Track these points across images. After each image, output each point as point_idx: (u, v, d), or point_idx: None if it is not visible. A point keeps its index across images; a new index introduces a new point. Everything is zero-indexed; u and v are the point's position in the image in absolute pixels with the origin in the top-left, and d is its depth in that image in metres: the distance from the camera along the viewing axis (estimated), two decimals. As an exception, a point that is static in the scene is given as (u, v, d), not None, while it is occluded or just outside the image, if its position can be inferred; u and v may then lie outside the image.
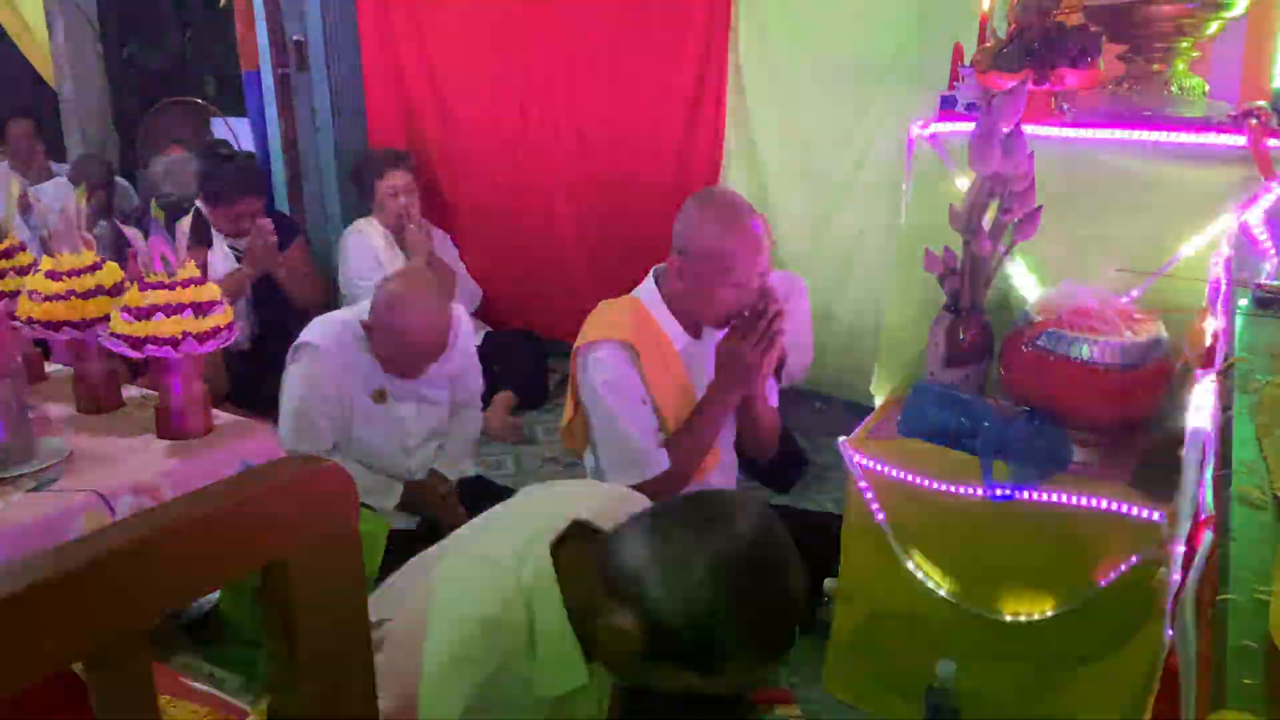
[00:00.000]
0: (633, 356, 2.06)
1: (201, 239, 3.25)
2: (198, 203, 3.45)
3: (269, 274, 3.51)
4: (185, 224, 1.90)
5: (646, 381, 2.07)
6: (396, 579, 1.40)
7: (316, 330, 2.48)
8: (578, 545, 1.20)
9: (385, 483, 2.57)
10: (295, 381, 2.43)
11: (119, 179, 4.67)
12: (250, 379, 3.25)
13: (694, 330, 2.13)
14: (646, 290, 2.15)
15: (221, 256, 3.49)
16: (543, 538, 1.20)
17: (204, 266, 3.24)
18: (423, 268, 3.29)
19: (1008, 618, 1.86)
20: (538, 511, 1.32)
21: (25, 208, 3.62)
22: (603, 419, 2.09)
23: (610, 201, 3.76)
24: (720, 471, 2.28)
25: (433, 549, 1.42)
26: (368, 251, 3.69)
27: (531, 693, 1.17)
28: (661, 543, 1.09)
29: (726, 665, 1.10)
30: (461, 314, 2.68)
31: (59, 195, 3.30)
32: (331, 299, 3.85)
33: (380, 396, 2.51)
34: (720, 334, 2.13)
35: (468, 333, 2.71)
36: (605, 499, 1.39)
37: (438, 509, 2.61)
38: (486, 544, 1.29)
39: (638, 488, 2.08)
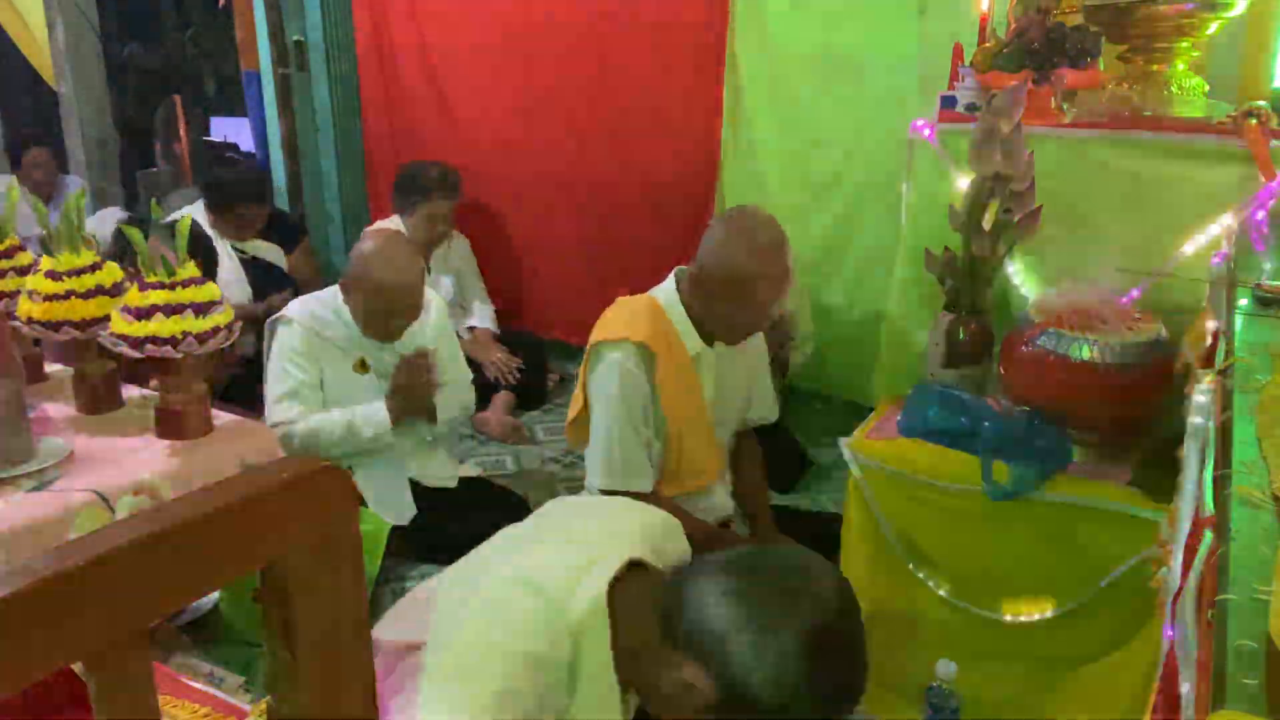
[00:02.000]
0: (648, 359, 2.05)
1: (194, 253, 3.23)
2: (195, 215, 3.44)
3: (268, 272, 3.50)
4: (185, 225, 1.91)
5: (658, 385, 2.06)
6: (431, 595, 1.35)
7: (290, 306, 2.57)
8: (635, 586, 1.19)
9: (391, 491, 2.58)
10: (272, 355, 2.52)
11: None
12: (253, 383, 3.25)
13: (708, 337, 2.12)
14: (665, 291, 2.13)
15: (227, 256, 3.46)
16: (592, 571, 1.19)
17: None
18: (396, 230, 3.25)
19: (1008, 618, 1.86)
20: (589, 539, 1.30)
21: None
22: (605, 418, 2.09)
23: (608, 201, 3.76)
24: (724, 481, 2.29)
25: (468, 560, 1.38)
26: None
27: None
28: (748, 608, 1.10)
29: None
30: (433, 297, 2.72)
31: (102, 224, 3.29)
32: None
33: (362, 366, 2.55)
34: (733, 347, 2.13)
35: (441, 309, 2.75)
36: (655, 529, 1.37)
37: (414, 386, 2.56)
38: (532, 566, 1.26)
39: (610, 492, 2.09)
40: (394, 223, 3.71)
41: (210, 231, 3.44)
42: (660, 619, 1.15)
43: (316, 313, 2.52)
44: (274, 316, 2.55)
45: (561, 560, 1.24)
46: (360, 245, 2.51)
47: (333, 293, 2.55)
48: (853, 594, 1.16)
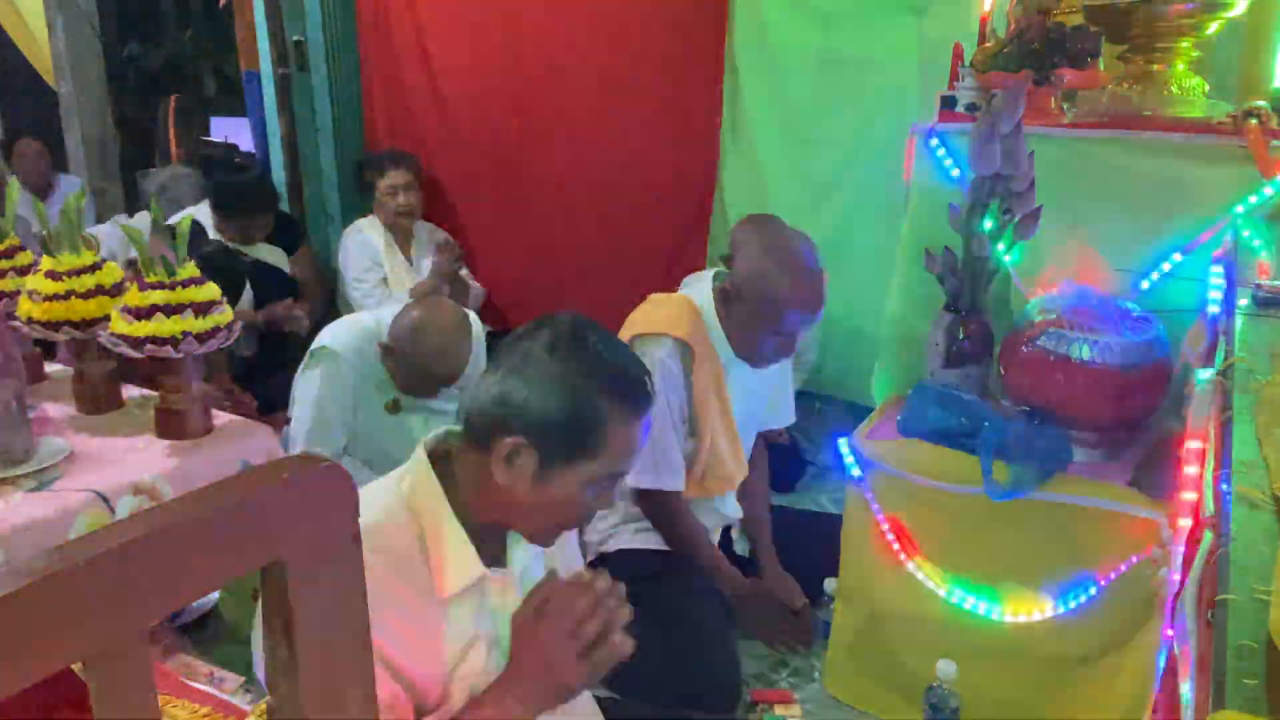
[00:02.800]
0: (687, 356, 2.04)
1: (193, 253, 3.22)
2: (198, 215, 3.44)
3: (269, 273, 3.50)
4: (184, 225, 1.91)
5: (692, 384, 2.06)
6: None
7: (336, 336, 2.46)
8: (453, 446, 1.25)
9: None
10: (314, 384, 2.42)
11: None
12: (252, 382, 3.24)
13: (756, 360, 2.12)
14: (704, 296, 2.11)
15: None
16: (420, 451, 1.26)
17: None
18: (443, 295, 3.22)
19: (1008, 618, 1.86)
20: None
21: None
22: None
23: (607, 201, 3.76)
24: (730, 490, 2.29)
25: None
26: (367, 251, 3.69)
27: (433, 595, 1.19)
28: (507, 366, 1.18)
29: (606, 434, 1.16)
30: (474, 321, 2.66)
31: (115, 233, 3.26)
32: (332, 298, 3.85)
33: (394, 406, 2.49)
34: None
35: (480, 338, 2.70)
36: None
37: None
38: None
39: (648, 493, 2.09)
40: (367, 220, 3.77)
41: (214, 234, 3.44)
42: (472, 444, 1.21)
43: (364, 350, 2.43)
44: (318, 344, 2.46)
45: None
46: (408, 314, 2.39)
47: (376, 324, 2.46)
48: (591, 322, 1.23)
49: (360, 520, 0.56)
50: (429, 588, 1.18)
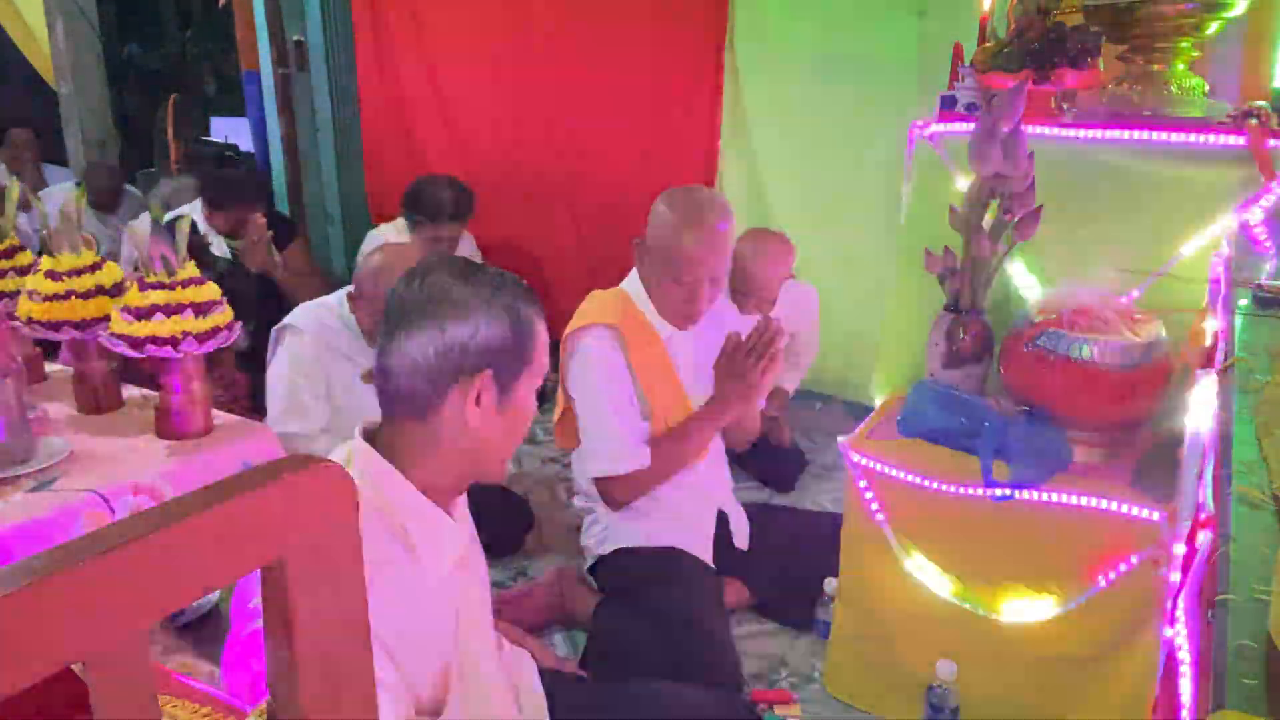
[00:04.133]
0: (619, 339, 2.06)
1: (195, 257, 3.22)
2: (195, 216, 3.45)
3: (268, 275, 3.50)
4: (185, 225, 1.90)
5: (632, 366, 2.08)
6: None
7: (297, 314, 2.52)
8: (378, 434, 1.24)
9: None
10: (280, 363, 2.46)
11: (129, 187, 4.68)
12: (250, 378, 3.25)
13: (678, 320, 2.13)
14: (632, 280, 2.16)
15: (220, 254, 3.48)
16: (360, 443, 1.23)
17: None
18: (411, 243, 3.23)
19: (1008, 618, 1.86)
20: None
21: (25, 205, 3.62)
22: (589, 405, 2.09)
23: (606, 202, 3.76)
24: (710, 463, 2.29)
25: None
26: None
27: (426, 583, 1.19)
28: (424, 323, 1.17)
29: (535, 335, 1.24)
30: None
31: (63, 199, 3.29)
32: (331, 286, 3.82)
33: (370, 377, 2.51)
34: (702, 326, 2.14)
35: None
36: None
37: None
38: None
39: (613, 480, 2.09)
40: (398, 227, 3.70)
41: (206, 227, 3.44)
42: (409, 419, 1.20)
43: (325, 321, 2.47)
44: (280, 324, 2.50)
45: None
46: (370, 258, 2.46)
47: (339, 299, 2.50)
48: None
49: None
50: (418, 574, 1.18)
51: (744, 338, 2.06)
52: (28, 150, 4.68)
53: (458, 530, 1.23)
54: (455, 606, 1.24)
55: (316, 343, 2.45)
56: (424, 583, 1.18)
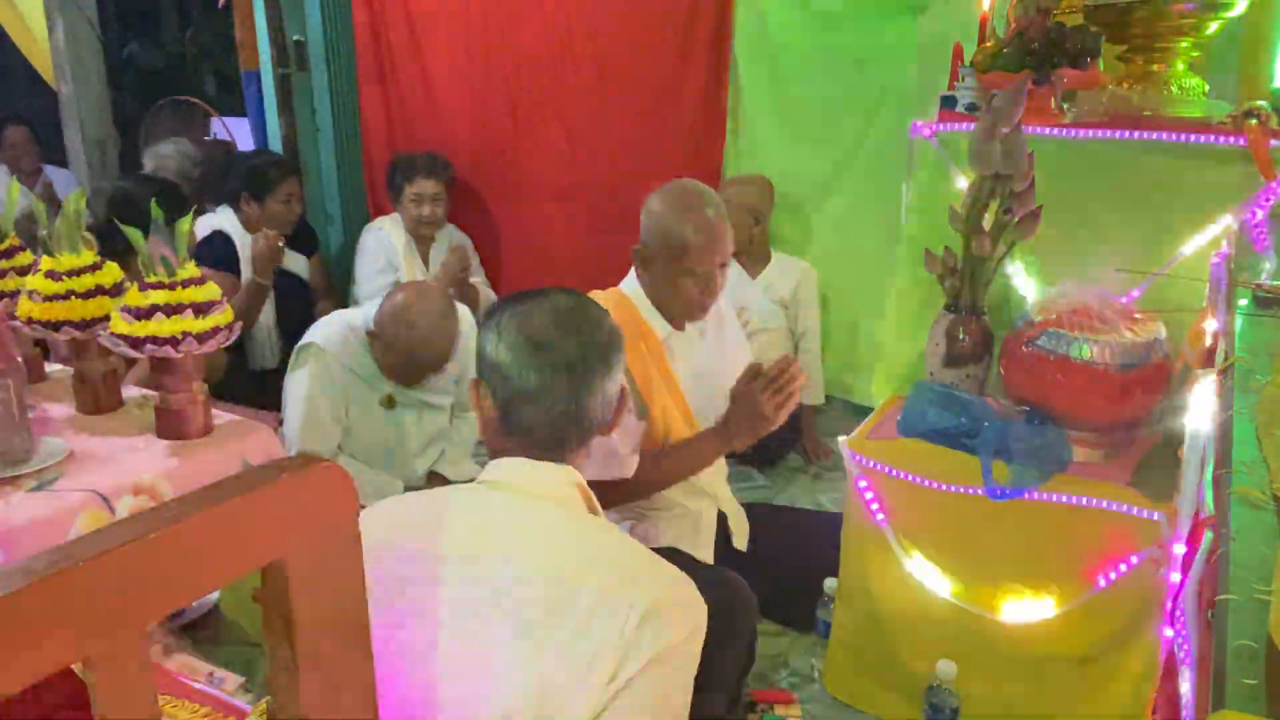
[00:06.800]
0: None
1: (215, 263, 3.17)
2: (225, 223, 3.38)
3: (290, 282, 3.46)
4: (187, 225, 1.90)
5: (630, 369, 2.07)
6: None
7: (320, 331, 2.47)
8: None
9: (386, 483, 2.57)
10: (303, 383, 2.43)
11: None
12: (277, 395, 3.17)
13: (676, 321, 2.13)
14: (629, 281, 2.15)
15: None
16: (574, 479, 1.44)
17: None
18: (438, 285, 3.21)
19: (1008, 618, 1.86)
20: None
21: (50, 197, 3.62)
22: None
23: (607, 202, 3.76)
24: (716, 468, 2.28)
25: None
26: (383, 251, 3.63)
27: None
28: (562, 386, 1.35)
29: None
30: (466, 315, 2.67)
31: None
32: (343, 302, 3.80)
33: (389, 402, 2.49)
34: (700, 325, 2.14)
35: (470, 332, 2.70)
36: None
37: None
38: None
39: (598, 484, 2.08)
40: (394, 219, 3.70)
41: (243, 233, 3.32)
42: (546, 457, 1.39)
43: (350, 345, 2.44)
44: (304, 342, 2.47)
45: None
46: (393, 298, 2.41)
47: (365, 321, 2.47)
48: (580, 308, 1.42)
49: None
50: None
51: (733, 333, 2.05)
52: (23, 147, 4.66)
53: None
54: None
55: (342, 367, 2.43)
56: None
